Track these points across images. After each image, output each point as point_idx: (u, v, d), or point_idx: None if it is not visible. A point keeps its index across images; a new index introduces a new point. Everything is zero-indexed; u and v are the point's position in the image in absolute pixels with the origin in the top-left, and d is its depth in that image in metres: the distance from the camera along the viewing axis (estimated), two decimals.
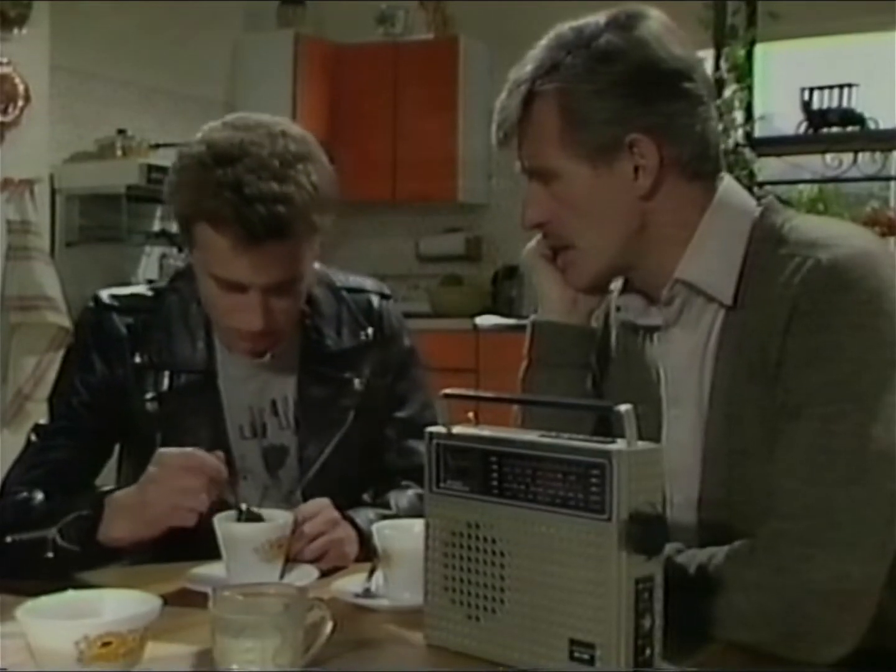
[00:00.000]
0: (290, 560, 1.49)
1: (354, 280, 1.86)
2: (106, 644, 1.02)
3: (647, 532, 1.05)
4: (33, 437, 1.71)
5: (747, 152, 4.60)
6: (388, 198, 6.06)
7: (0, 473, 1.70)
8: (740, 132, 4.69)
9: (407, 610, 1.31)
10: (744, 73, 4.74)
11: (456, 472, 1.18)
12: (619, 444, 1.06)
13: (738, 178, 1.41)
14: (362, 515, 1.61)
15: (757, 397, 1.27)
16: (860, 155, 4.72)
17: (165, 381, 1.71)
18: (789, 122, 4.88)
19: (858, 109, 4.69)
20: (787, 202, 1.40)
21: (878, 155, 4.74)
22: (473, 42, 5.93)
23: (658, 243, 1.35)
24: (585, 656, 1.07)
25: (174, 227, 1.70)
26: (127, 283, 1.90)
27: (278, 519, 1.49)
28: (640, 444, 1.07)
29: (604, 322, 1.52)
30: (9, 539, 1.53)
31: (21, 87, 4.53)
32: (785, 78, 5.12)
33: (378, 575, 1.40)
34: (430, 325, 5.15)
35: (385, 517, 1.59)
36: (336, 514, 1.58)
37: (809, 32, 5.18)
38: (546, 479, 1.10)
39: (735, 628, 1.19)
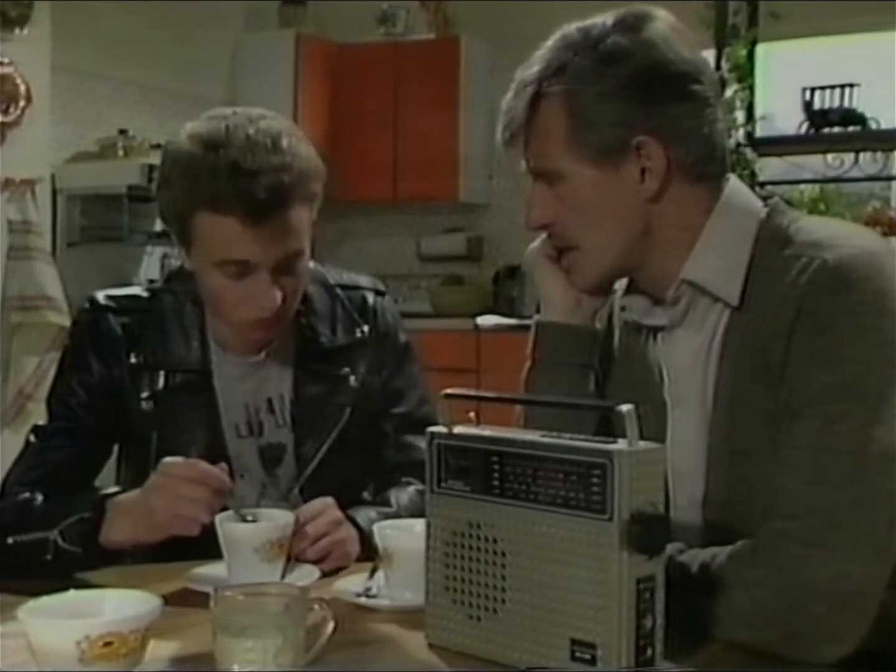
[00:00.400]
0: (292, 560, 1.49)
1: (348, 277, 1.86)
2: (107, 644, 1.02)
3: (648, 532, 1.05)
4: (32, 438, 1.71)
5: (748, 152, 4.60)
6: (389, 198, 6.06)
7: (0, 473, 1.71)
8: (741, 132, 4.69)
9: (408, 610, 1.31)
10: (745, 73, 4.74)
11: (457, 472, 1.18)
12: (621, 444, 1.06)
13: (739, 178, 1.41)
14: (363, 515, 1.61)
15: (761, 398, 1.27)
16: (861, 155, 4.72)
17: (161, 381, 1.71)
18: (790, 121, 4.88)
19: (860, 109, 4.68)
20: (788, 202, 1.39)
21: (879, 155, 4.74)
22: (474, 42, 5.94)
23: (663, 245, 1.35)
24: (587, 656, 1.07)
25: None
26: (128, 284, 1.90)
27: (279, 519, 1.49)
28: (642, 444, 1.07)
29: (607, 322, 1.52)
30: (10, 540, 1.53)
31: (22, 87, 4.53)
32: (786, 78, 5.12)
33: (379, 575, 1.40)
34: (431, 325, 5.16)
35: (387, 515, 1.59)
36: (339, 514, 1.58)
37: (811, 32, 5.18)
38: (547, 478, 1.10)
39: (736, 628, 1.19)
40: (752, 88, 4.80)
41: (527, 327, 1.52)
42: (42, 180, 4.61)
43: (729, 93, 4.62)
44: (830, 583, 1.15)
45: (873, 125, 4.69)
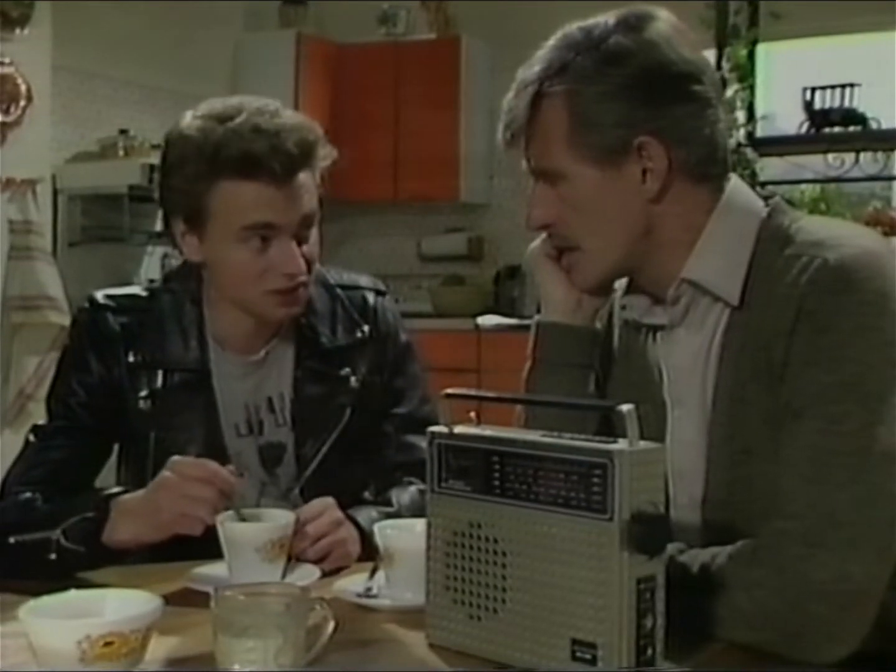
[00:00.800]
0: (293, 560, 1.49)
1: (349, 277, 1.86)
2: (108, 644, 1.02)
3: (648, 532, 1.05)
4: (31, 438, 1.71)
5: (749, 152, 4.60)
6: (389, 197, 6.06)
7: (0, 473, 1.71)
8: (742, 132, 4.70)
9: (409, 610, 1.31)
10: (746, 73, 4.75)
11: (458, 472, 1.18)
12: (621, 444, 1.06)
13: (740, 178, 1.41)
14: (364, 514, 1.60)
15: (761, 397, 1.27)
16: (862, 155, 4.72)
17: (159, 380, 1.71)
18: (791, 121, 4.88)
19: (860, 109, 4.69)
20: (789, 202, 1.39)
21: (879, 155, 4.74)
22: (475, 42, 5.94)
23: (664, 245, 1.35)
24: (587, 656, 1.07)
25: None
26: (129, 283, 1.90)
27: (280, 519, 1.49)
28: (642, 444, 1.07)
29: (607, 322, 1.52)
30: (12, 540, 1.53)
31: (23, 87, 4.53)
32: (787, 78, 5.12)
33: (380, 574, 1.40)
34: (432, 325, 5.16)
35: (388, 515, 1.59)
36: (340, 514, 1.58)
37: (811, 32, 5.18)
38: (548, 478, 1.10)
39: (737, 628, 1.19)
40: (752, 88, 4.80)
41: (527, 327, 1.52)
42: (43, 180, 4.61)
43: (729, 93, 4.62)
44: (831, 583, 1.15)
45: (874, 125, 4.69)
